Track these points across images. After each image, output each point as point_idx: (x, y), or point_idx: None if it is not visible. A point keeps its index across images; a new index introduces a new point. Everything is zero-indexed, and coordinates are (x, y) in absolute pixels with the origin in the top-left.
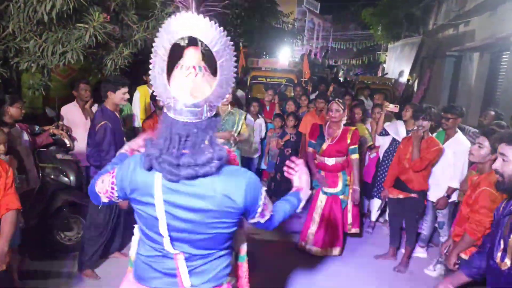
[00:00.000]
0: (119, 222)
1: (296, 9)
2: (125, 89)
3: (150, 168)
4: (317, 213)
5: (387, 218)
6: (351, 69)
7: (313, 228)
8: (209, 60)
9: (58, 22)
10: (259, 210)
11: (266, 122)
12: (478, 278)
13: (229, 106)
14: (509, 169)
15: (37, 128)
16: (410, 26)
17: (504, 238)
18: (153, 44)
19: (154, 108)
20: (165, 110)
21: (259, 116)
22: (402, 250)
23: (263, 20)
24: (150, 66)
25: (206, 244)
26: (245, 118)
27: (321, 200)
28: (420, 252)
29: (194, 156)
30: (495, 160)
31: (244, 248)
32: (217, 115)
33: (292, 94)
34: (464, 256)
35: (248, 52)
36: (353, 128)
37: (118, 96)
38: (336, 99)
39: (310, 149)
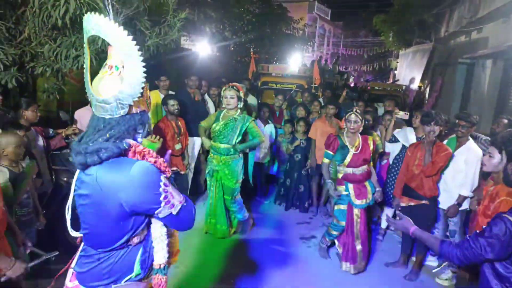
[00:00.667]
0: None
1: (307, 15)
2: None
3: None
4: (357, 229)
5: None
6: (362, 75)
7: (358, 246)
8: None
9: (72, 26)
10: (162, 199)
11: (276, 128)
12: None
13: (238, 111)
14: None
15: (51, 131)
16: (421, 33)
17: None
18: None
19: (165, 112)
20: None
21: (269, 121)
22: (413, 258)
23: (274, 26)
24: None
25: (98, 239)
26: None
27: (357, 214)
28: (431, 261)
29: (87, 145)
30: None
31: (161, 257)
32: (136, 115)
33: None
34: None
35: (258, 58)
36: (371, 136)
37: None
38: (355, 109)
39: (326, 160)
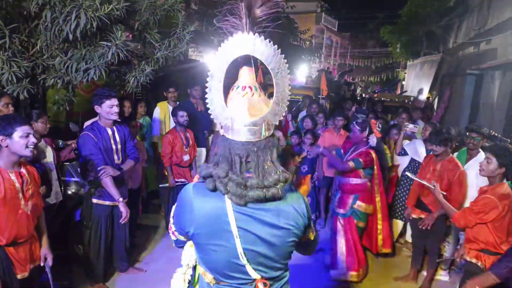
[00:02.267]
0: (123, 238)
1: (314, 27)
2: (111, 102)
3: (214, 190)
4: (340, 236)
5: (407, 239)
6: (369, 86)
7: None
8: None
9: (82, 40)
10: (311, 225)
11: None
12: (508, 277)
13: None
14: None
15: (60, 142)
16: (429, 44)
17: None
18: (210, 68)
19: (175, 123)
20: (221, 132)
21: (276, 131)
22: (424, 273)
23: (281, 37)
24: (207, 90)
25: (279, 266)
26: None
27: (340, 222)
28: (442, 275)
29: (261, 177)
30: (503, 174)
31: None
32: (273, 135)
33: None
34: (474, 260)
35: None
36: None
37: (104, 110)
38: (356, 120)
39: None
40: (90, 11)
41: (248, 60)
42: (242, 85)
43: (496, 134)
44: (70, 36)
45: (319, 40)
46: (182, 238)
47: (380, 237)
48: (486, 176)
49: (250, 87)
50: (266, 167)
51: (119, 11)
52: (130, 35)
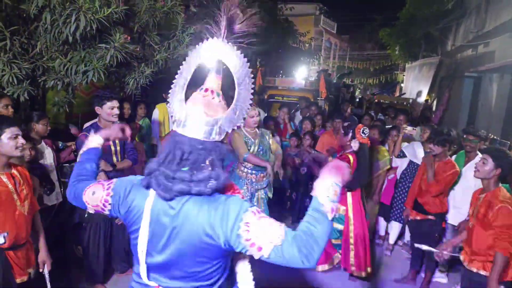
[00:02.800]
0: (122, 239)
1: (313, 29)
2: (112, 103)
3: (147, 187)
4: None
5: (405, 241)
6: (368, 88)
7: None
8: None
9: (82, 42)
10: (243, 240)
11: (281, 141)
12: None
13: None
14: None
15: (60, 144)
16: (428, 46)
17: None
18: (182, 65)
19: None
20: (174, 127)
21: (274, 134)
22: (422, 275)
23: (280, 39)
24: (172, 86)
25: (184, 276)
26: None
27: None
28: (440, 277)
29: (191, 172)
30: (499, 175)
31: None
32: (223, 143)
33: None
34: (483, 272)
35: (265, 71)
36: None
37: (105, 111)
38: (343, 123)
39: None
40: (89, 13)
41: (219, 69)
42: (205, 87)
43: (495, 137)
44: (70, 39)
45: (318, 43)
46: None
47: (352, 253)
48: (481, 177)
49: (212, 91)
50: (202, 165)
51: (118, 14)
52: (129, 37)
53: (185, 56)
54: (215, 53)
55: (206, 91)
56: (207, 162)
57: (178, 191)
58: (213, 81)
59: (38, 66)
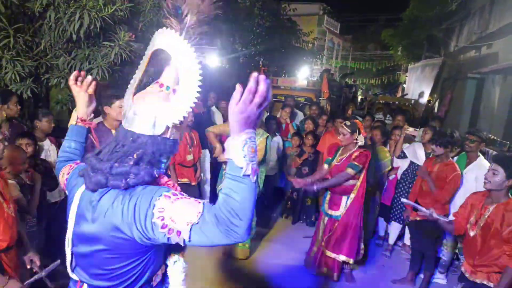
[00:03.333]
0: None
1: (316, 29)
2: (121, 102)
3: (82, 175)
4: (320, 236)
5: (405, 242)
6: (370, 89)
7: (314, 249)
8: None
9: (86, 40)
10: (159, 229)
11: (283, 140)
12: None
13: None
14: None
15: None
16: (431, 47)
17: None
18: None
19: None
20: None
21: (276, 134)
22: (421, 276)
23: (284, 39)
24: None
25: (102, 274)
26: (267, 140)
27: (324, 222)
28: (439, 278)
29: (112, 164)
30: (510, 187)
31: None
32: (169, 140)
33: (308, 112)
34: (486, 282)
35: (267, 71)
36: (365, 150)
37: (114, 110)
38: (344, 122)
39: (326, 166)
40: (93, 11)
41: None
42: (159, 82)
43: (495, 138)
44: (74, 37)
45: (321, 42)
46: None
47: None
48: (493, 189)
49: (162, 84)
50: (129, 158)
51: (122, 12)
52: (133, 36)
53: None
54: (160, 43)
55: (156, 83)
56: (135, 156)
57: (95, 182)
58: (165, 74)
59: (41, 64)
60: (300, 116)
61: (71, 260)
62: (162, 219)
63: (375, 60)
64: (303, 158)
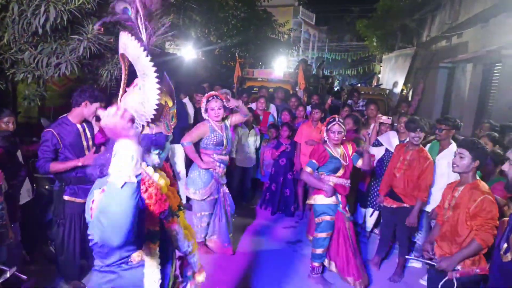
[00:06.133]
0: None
1: (292, 20)
2: (100, 105)
3: None
4: (352, 241)
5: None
6: (347, 79)
7: (358, 259)
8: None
9: (53, 34)
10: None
11: (260, 132)
12: None
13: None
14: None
15: (34, 139)
16: (404, 38)
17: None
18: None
19: None
20: None
21: (253, 126)
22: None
23: (259, 31)
24: None
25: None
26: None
27: (349, 226)
28: (414, 262)
29: (99, 158)
30: (477, 168)
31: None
32: (151, 135)
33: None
34: (478, 271)
35: (244, 63)
36: (348, 143)
37: (91, 109)
38: (338, 119)
39: (309, 169)
40: (59, 4)
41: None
42: (135, 81)
43: (459, 122)
44: (40, 30)
45: (297, 34)
46: None
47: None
48: (461, 172)
49: (136, 84)
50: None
51: (90, 4)
52: (102, 29)
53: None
54: (121, 48)
55: (134, 86)
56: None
57: (88, 173)
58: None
59: (6, 59)
60: (273, 108)
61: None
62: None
63: (351, 51)
64: (280, 150)
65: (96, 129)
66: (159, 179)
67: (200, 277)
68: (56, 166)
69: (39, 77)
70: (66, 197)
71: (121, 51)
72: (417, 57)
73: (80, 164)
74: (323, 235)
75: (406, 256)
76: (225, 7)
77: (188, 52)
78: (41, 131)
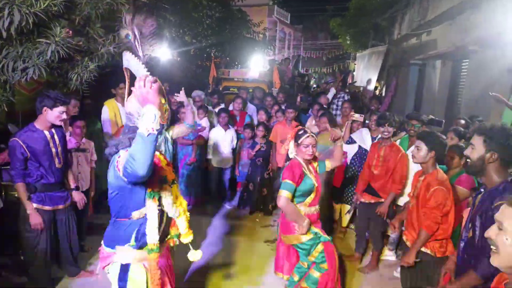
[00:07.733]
0: (69, 243)
1: (266, 19)
2: (64, 108)
3: None
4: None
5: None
6: (322, 77)
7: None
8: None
9: (18, 37)
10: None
11: (237, 133)
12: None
13: None
14: (474, 156)
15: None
16: (376, 36)
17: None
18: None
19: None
20: None
21: (229, 126)
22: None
23: (234, 30)
24: None
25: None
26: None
27: (335, 250)
28: (389, 256)
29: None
30: (434, 158)
31: (151, 239)
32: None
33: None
34: (429, 251)
35: (219, 63)
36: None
37: (53, 114)
38: (310, 131)
39: (286, 193)
40: (24, 7)
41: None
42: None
43: (433, 117)
44: (4, 34)
45: (273, 33)
46: None
47: None
48: (419, 162)
49: (132, 91)
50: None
51: (57, 6)
52: (70, 32)
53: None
54: (124, 63)
55: (129, 93)
56: (128, 138)
57: (106, 153)
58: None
59: None
60: (252, 108)
61: None
62: (118, 163)
63: (326, 49)
64: (256, 149)
65: (68, 133)
66: (159, 155)
67: (187, 239)
68: (20, 189)
69: (5, 82)
70: (34, 205)
71: (125, 65)
72: (389, 55)
73: (29, 212)
74: (321, 266)
75: (381, 257)
76: (199, 7)
77: (162, 53)
78: (8, 137)
